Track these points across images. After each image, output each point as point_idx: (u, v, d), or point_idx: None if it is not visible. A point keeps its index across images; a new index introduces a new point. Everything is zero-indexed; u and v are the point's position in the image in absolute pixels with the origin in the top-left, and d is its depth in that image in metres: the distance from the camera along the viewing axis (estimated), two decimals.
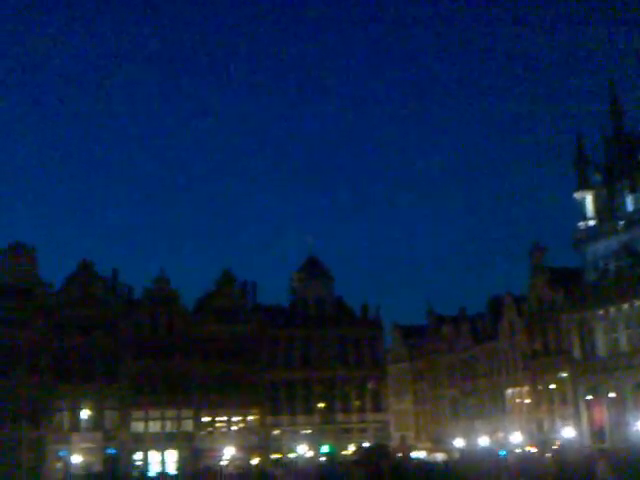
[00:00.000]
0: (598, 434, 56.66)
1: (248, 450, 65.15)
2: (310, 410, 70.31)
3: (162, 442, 64.90)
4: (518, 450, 57.38)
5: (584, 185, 62.77)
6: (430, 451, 73.11)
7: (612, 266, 58.71)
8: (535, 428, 63.19)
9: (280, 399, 69.66)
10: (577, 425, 58.67)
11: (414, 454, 67.01)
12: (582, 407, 59.06)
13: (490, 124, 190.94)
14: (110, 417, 64.62)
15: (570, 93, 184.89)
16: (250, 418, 68.28)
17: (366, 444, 65.63)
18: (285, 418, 69.38)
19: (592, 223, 62.07)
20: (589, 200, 62.78)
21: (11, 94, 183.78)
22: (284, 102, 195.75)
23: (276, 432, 68.66)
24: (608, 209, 61.33)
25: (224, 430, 67.26)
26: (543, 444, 56.56)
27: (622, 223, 59.19)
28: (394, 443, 71.13)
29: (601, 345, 58.18)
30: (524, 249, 67.15)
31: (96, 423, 63.83)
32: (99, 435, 63.27)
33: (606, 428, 56.43)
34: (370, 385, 72.67)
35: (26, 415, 61.91)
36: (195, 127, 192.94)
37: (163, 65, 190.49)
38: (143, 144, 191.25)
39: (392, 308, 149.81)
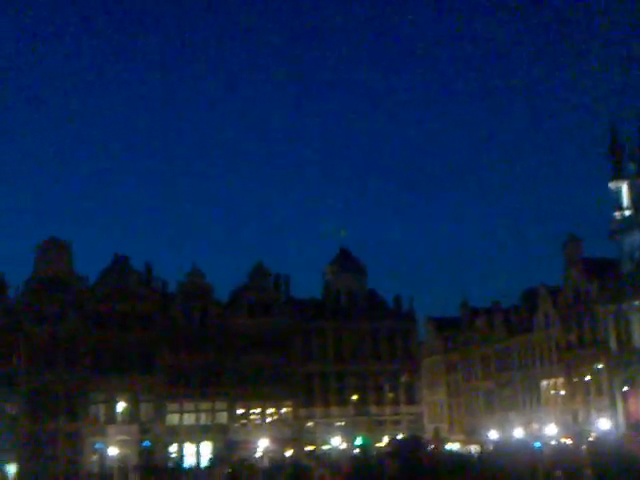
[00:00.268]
0: (634, 425, 56.12)
1: (282, 442, 65.39)
2: (344, 402, 70.40)
3: (197, 434, 65.40)
4: (553, 442, 56.99)
5: (619, 175, 61.99)
6: (464, 443, 72.85)
7: None
8: (570, 420, 62.79)
9: (314, 391, 69.83)
10: (613, 417, 58.20)
11: (448, 446, 66.81)
12: (618, 398, 58.58)
13: (524, 115, 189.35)
14: (145, 410, 65.25)
15: (605, 82, 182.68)
16: (284, 410, 68.57)
17: (399, 436, 65.55)
18: (319, 410, 69.54)
19: (628, 213, 61.30)
20: (624, 190, 61.98)
21: (37, 88, 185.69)
22: (319, 92, 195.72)
23: (310, 424, 68.87)
24: None
25: (258, 422, 67.61)
26: (578, 436, 56.11)
27: None
28: (428, 435, 70.97)
29: (637, 336, 57.57)
30: (559, 240, 66.40)
31: (132, 416, 64.49)
32: (135, 427, 63.89)
33: None
34: (404, 378, 72.59)
35: (63, 408, 62.77)
36: (227, 120, 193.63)
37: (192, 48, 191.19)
38: (174, 138, 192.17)
39: (426, 300, 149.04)
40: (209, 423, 66.26)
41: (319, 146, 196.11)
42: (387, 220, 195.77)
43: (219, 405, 66.53)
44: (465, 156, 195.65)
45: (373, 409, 70.90)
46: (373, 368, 71.21)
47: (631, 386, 57.50)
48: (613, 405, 58.69)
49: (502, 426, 69.33)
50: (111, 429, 63.53)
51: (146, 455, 62.13)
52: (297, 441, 66.40)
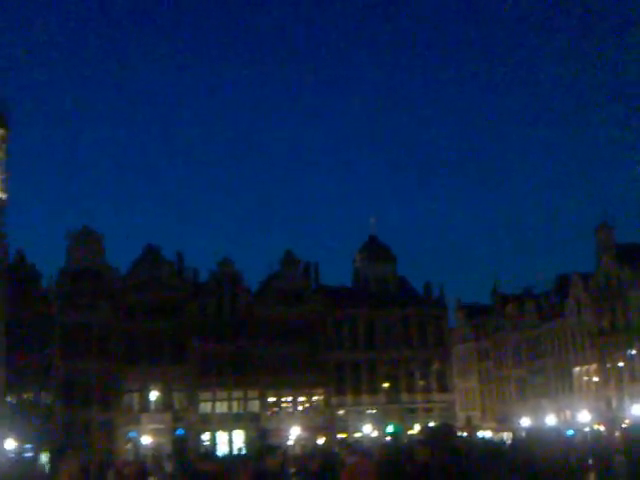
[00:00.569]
0: None
1: (314, 430, 65.61)
2: (375, 390, 70.46)
3: (229, 423, 65.85)
4: (586, 429, 56.68)
5: None
6: (496, 431, 72.65)
7: None
8: (603, 406, 62.36)
9: (345, 379, 69.95)
10: None
11: (480, 434, 66.68)
12: None
13: (555, 100, 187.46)
14: (178, 398, 65.81)
15: (637, 64, 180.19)
16: (315, 398, 68.80)
17: (431, 424, 65.48)
18: (350, 398, 69.66)
19: None
20: None
21: (75, 83, 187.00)
22: (350, 80, 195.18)
23: (341, 412, 69.03)
24: None
25: (290, 410, 67.90)
26: (612, 422, 55.72)
27: None
28: (459, 423, 70.86)
29: None
30: (591, 225, 66.03)
31: (165, 404, 65.06)
32: (168, 416, 64.44)
33: None
34: (435, 365, 72.48)
35: (96, 397, 63.44)
36: (254, 107, 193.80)
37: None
38: (204, 127, 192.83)
39: (456, 287, 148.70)
40: (241, 411, 66.67)
41: (347, 133, 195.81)
42: (417, 207, 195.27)
43: (251, 393, 66.90)
44: (495, 141, 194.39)
45: (404, 397, 70.88)
46: (404, 356, 71.17)
47: None
48: None
49: (534, 413, 69.06)
50: (144, 418, 64.13)
51: (179, 443, 62.65)
52: (329, 429, 66.61)
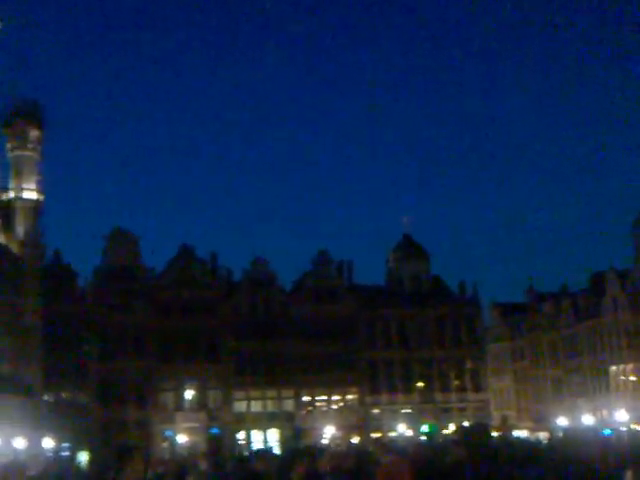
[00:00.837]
0: None
1: (348, 429, 65.58)
2: (409, 389, 70.26)
3: (264, 421, 66.03)
4: (624, 428, 56.01)
5: None
6: (532, 430, 72.07)
7: None
8: None
9: (379, 378, 69.81)
10: None
11: (515, 433, 66.18)
12: None
13: (589, 95, 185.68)
14: (213, 397, 66.14)
15: None
16: (349, 397, 68.74)
17: (466, 423, 65.11)
18: (384, 397, 69.52)
19: None
20: None
21: (105, 86, 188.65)
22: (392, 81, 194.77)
23: (376, 411, 68.92)
24: None
25: (324, 409, 67.91)
26: None
27: None
28: (495, 422, 70.37)
29: None
30: (627, 222, 65.20)
31: (199, 403, 65.40)
32: (202, 415, 64.77)
33: None
34: (469, 365, 72.09)
35: (132, 396, 63.93)
36: (289, 107, 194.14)
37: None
38: (237, 128, 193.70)
39: (490, 286, 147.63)
40: (276, 410, 66.81)
41: (381, 132, 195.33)
42: (451, 205, 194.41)
43: (285, 392, 67.02)
44: (530, 138, 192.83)
45: (439, 396, 70.59)
46: (438, 355, 70.87)
47: None
48: None
49: (571, 413, 68.42)
50: (179, 416, 64.52)
51: (215, 442, 62.90)
52: (363, 428, 66.52)
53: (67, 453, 58.94)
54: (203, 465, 18.80)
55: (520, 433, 68.88)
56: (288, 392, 66.98)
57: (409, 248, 74.37)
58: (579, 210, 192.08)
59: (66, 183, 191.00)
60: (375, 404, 69.08)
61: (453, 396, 71.10)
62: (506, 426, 69.43)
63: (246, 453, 51.88)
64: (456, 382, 71.69)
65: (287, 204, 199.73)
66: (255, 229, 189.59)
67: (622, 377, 65.78)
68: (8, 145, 64.81)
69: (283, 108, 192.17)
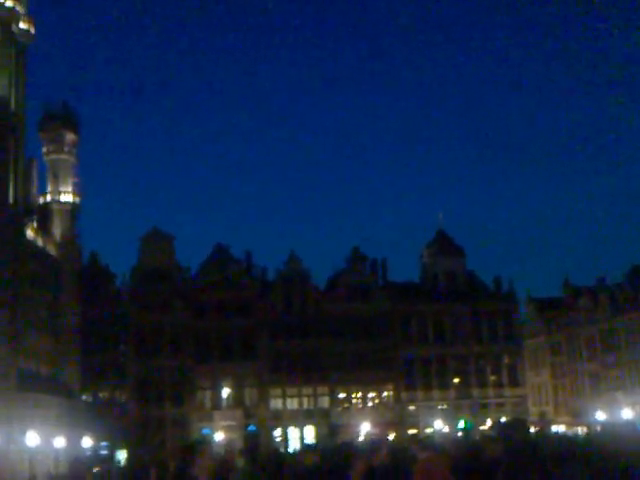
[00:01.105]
0: None
1: (384, 426, 65.48)
2: (445, 385, 70.01)
3: (300, 418, 66.21)
4: None
5: None
6: (570, 425, 71.47)
7: None
8: None
9: (415, 375, 69.63)
10: None
11: (553, 428, 65.71)
12: None
13: (624, 84, 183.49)
14: (249, 395, 66.45)
15: None
16: (385, 394, 68.68)
17: (503, 419, 64.81)
18: (420, 393, 69.34)
19: None
20: None
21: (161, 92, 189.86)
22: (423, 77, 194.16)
23: (412, 407, 68.77)
24: None
25: (360, 406, 67.93)
26: None
27: None
28: (532, 418, 69.95)
29: None
30: None
31: (236, 401, 65.75)
32: (239, 412, 65.11)
33: None
34: (506, 360, 71.66)
35: (169, 395, 64.46)
36: (320, 107, 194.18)
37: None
38: (270, 129, 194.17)
39: (526, 280, 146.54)
40: (312, 407, 66.98)
41: (414, 128, 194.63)
42: (486, 200, 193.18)
43: (321, 390, 67.15)
44: (564, 134, 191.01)
45: (475, 392, 70.26)
46: (474, 351, 70.54)
47: None
48: None
49: (609, 407, 67.71)
50: (217, 414, 64.93)
51: (251, 440, 63.21)
52: (399, 425, 66.41)
53: (105, 452, 59.61)
54: (240, 462, 18.90)
55: (558, 428, 68.39)
56: (323, 389, 67.11)
57: (444, 244, 74.06)
58: (616, 202, 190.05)
59: (102, 185, 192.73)
60: (411, 400, 68.93)
61: (490, 392, 70.72)
62: (544, 421, 68.99)
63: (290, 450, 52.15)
64: (493, 378, 71.32)
65: (320, 202, 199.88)
66: (289, 227, 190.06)
67: None
68: (44, 149, 65.71)
69: (316, 107, 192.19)
